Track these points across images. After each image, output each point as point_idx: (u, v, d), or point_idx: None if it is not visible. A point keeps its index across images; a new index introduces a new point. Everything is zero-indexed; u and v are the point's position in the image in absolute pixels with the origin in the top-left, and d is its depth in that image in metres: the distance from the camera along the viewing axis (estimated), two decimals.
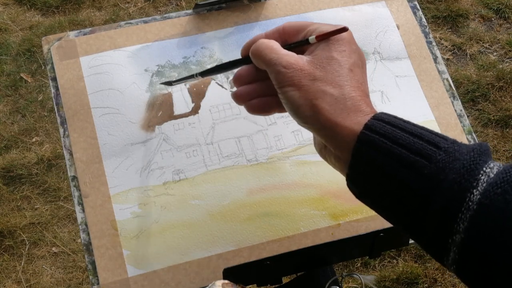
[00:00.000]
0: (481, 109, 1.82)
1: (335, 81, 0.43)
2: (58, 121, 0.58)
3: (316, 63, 0.44)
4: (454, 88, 0.64)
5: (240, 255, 0.55)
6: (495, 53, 1.98)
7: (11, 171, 1.69)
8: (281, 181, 0.58)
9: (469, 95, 1.85)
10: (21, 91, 1.87)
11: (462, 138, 0.62)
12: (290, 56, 0.44)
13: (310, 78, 0.43)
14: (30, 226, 1.59)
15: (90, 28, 0.62)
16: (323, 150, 0.46)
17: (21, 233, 1.58)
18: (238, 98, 0.49)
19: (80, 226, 0.55)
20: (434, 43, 0.66)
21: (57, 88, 0.60)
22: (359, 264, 1.51)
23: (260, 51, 0.46)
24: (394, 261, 1.52)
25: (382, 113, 0.41)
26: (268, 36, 0.48)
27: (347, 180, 0.42)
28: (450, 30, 2.04)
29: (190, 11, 0.64)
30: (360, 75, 0.45)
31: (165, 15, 0.64)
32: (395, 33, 0.66)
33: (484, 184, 0.36)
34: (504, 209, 0.35)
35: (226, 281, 0.43)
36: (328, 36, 0.44)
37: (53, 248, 1.56)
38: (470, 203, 0.35)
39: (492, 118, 1.80)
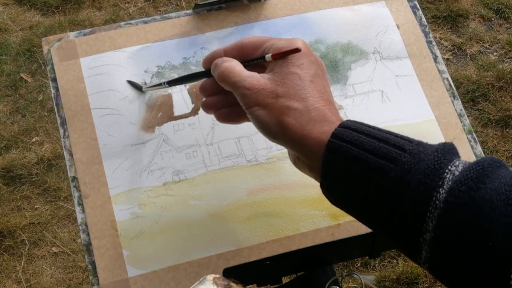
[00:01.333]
0: (481, 109, 1.82)
1: (297, 95, 0.44)
2: (58, 121, 0.58)
3: (277, 80, 0.45)
4: (454, 88, 0.64)
5: (240, 255, 0.55)
6: (495, 53, 1.98)
7: (11, 171, 1.69)
8: (281, 181, 0.58)
9: (469, 95, 1.85)
10: (21, 91, 1.87)
11: (462, 137, 0.62)
12: (252, 78, 0.45)
13: (273, 96, 0.44)
14: (30, 226, 1.59)
15: (90, 29, 0.62)
16: (297, 161, 0.47)
17: (21, 233, 1.58)
18: (206, 107, 0.51)
19: (80, 227, 0.55)
20: (434, 43, 0.66)
21: (57, 89, 0.60)
22: (359, 264, 1.51)
23: (224, 75, 0.47)
24: (394, 261, 1.53)
25: (348, 120, 0.43)
26: (227, 51, 0.50)
27: (320, 187, 0.43)
28: (450, 30, 2.04)
29: (190, 11, 0.64)
30: (322, 84, 0.46)
31: (165, 15, 0.64)
32: (395, 33, 0.66)
33: (450, 182, 0.37)
34: (469, 205, 0.35)
35: (217, 276, 0.43)
36: (283, 56, 0.46)
37: (53, 248, 1.56)
38: (437, 202, 0.36)
39: (492, 118, 1.80)
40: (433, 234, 0.36)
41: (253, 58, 0.48)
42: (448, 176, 0.37)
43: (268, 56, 0.46)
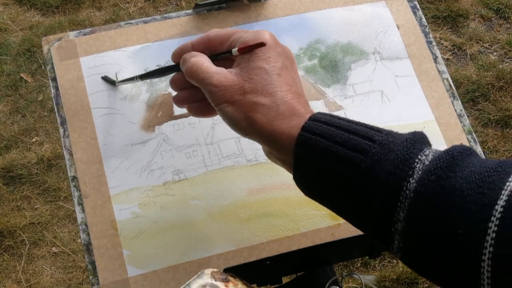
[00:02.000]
0: (481, 109, 1.82)
1: (265, 90, 0.44)
2: (58, 121, 0.58)
3: (244, 75, 0.45)
4: (454, 88, 0.64)
5: (240, 255, 0.55)
6: (495, 53, 1.98)
7: (11, 171, 1.69)
8: (281, 181, 0.58)
9: (469, 95, 1.85)
10: (21, 91, 1.87)
11: (462, 138, 0.62)
12: (219, 74, 0.45)
13: (240, 92, 0.44)
14: (30, 226, 1.59)
15: (90, 28, 0.62)
16: (270, 155, 0.47)
17: (21, 233, 1.58)
18: (178, 102, 0.51)
19: (80, 226, 0.55)
20: (434, 43, 0.66)
21: (57, 88, 0.60)
22: (359, 264, 1.51)
23: (192, 72, 0.47)
24: (394, 261, 1.52)
25: (318, 113, 0.43)
26: (194, 46, 0.49)
27: (294, 180, 0.43)
28: (450, 30, 2.04)
29: (190, 11, 0.64)
30: (290, 76, 0.46)
31: (165, 15, 0.64)
32: (395, 33, 0.66)
33: (420, 172, 0.37)
34: (439, 194, 0.36)
35: (215, 270, 0.43)
36: (249, 50, 0.45)
37: (53, 248, 1.56)
38: (407, 192, 0.37)
39: (492, 118, 1.80)
40: (404, 224, 0.37)
41: (220, 52, 0.48)
42: (418, 165, 0.37)
43: (234, 50, 0.46)
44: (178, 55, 0.50)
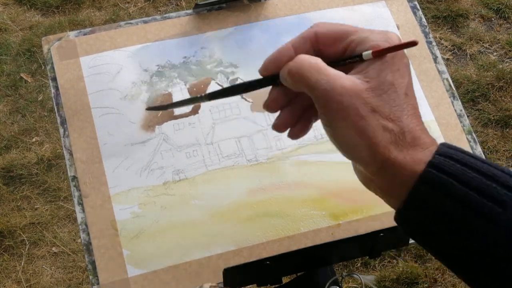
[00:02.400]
0: (481, 109, 1.82)
1: (392, 112, 0.36)
2: (58, 121, 0.58)
3: (374, 89, 0.36)
4: (454, 88, 0.64)
5: (240, 255, 0.55)
6: (495, 53, 1.98)
7: (11, 171, 1.69)
8: (281, 181, 0.58)
9: (469, 95, 1.85)
10: (21, 91, 1.87)
11: (462, 138, 0.62)
12: (344, 79, 0.35)
13: (368, 110, 0.35)
14: (30, 226, 1.59)
15: (90, 28, 0.62)
16: (367, 180, 0.39)
17: (21, 233, 1.58)
18: (280, 129, 0.42)
19: (80, 226, 0.55)
20: (434, 43, 0.66)
21: (57, 88, 0.60)
22: (359, 264, 1.51)
23: (302, 71, 0.37)
24: (394, 261, 1.52)
25: (443, 145, 0.36)
26: (296, 46, 0.39)
27: (397, 214, 0.37)
28: (450, 30, 2.04)
29: (190, 11, 0.64)
30: (414, 97, 0.38)
31: (165, 15, 0.64)
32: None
33: None
34: None
35: (214, 284, 0.43)
36: (390, 52, 0.36)
37: (53, 248, 1.56)
38: None
39: (492, 118, 1.80)
40: None
41: (345, 58, 0.38)
42: None
43: (366, 54, 0.36)
44: (272, 64, 0.39)
